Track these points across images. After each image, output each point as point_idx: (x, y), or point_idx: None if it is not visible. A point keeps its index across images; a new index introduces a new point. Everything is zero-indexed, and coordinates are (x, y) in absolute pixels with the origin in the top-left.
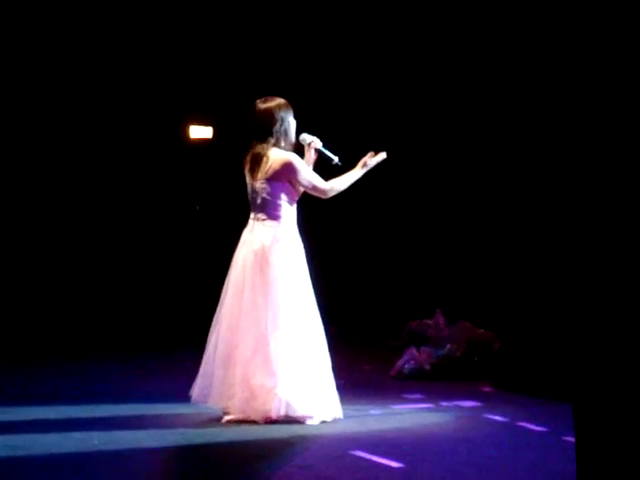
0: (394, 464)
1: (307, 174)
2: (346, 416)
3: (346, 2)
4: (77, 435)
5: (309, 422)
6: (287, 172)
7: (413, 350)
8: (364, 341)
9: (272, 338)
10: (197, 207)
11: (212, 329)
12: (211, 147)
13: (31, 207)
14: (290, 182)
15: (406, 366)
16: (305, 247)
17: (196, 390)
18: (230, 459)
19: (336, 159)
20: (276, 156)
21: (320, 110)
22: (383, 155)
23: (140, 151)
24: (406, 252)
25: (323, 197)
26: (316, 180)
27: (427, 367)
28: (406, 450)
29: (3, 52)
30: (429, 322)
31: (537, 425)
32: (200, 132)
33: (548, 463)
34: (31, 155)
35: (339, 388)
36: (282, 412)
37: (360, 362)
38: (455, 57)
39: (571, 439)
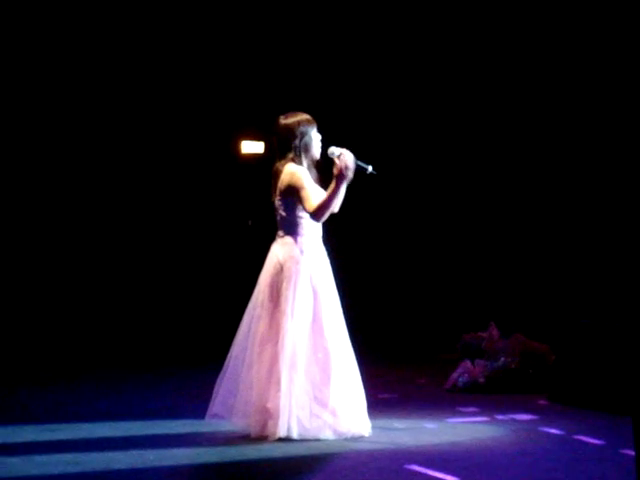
0: (450, 478)
1: (305, 192)
2: (401, 430)
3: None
4: (134, 452)
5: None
6: (293, 188)
7: (467, 363)
8: (418, 354)
9: (283, 358)
10: (250, 222)
11: (233, 345)
12: (263, 162)
13: (71, 220)
14: None
15: (460, 379)
16: (354, 263)
17: (217, 405)
18: (287, 473)
19: (370, 168)
20: (287, 171)
21: (362, 122)
22: (347, 155)
23: (193, 166)
24: (460, 265)
25: (314, 220)
26: (306, 200)
27: (482, 380)
28: (462, 464)
29: (40, 72)
30: (483, 335)
31: (594, 438)
32: (252, 147)
33: (607, 476)
34: (80, 169)
35: (393, 401)
36: (294, 434)
37: (414, 376)
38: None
39: (630, 452)
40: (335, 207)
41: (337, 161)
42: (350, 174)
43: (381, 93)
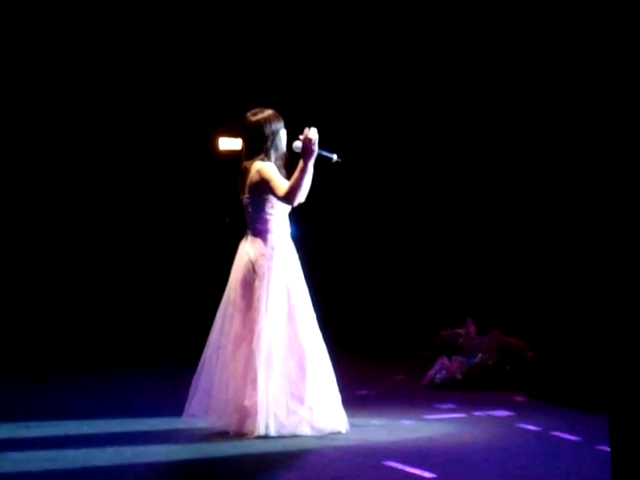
0: (427, 474)
1: (275, 181)
2: (378, 426)
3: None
4: (111, 449)
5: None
6: (263, 183)
7: (445, 360)
8: (396, 351)
9: (259, 356)
10: (227, 219)
11: (207, 344)
12: (240, 159)
13: (53, 220)
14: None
15: (438, 376)
16: (330, 258)
17: (194, 405)
18: (264, 470)
19: (335, 157)
20: (255, 168)
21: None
22: (311, 131)
23: (170, 163)
24: (437, 261)
25: (288, 204)
26: (277, 188)
27: (459, 376)
28: (439, 460)
29: (28, 66)
30: (460, 331)
31: (571, 434)
32: (229, 144)
33: (583, 473)
34: (58, 165)
35: (370, 398)
36: (272, 431)
37: (392, 372)
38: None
39: (605, 448)
40: (305, 189)
41: (301, 138)
42: (315, 148)
43: (356, 83)
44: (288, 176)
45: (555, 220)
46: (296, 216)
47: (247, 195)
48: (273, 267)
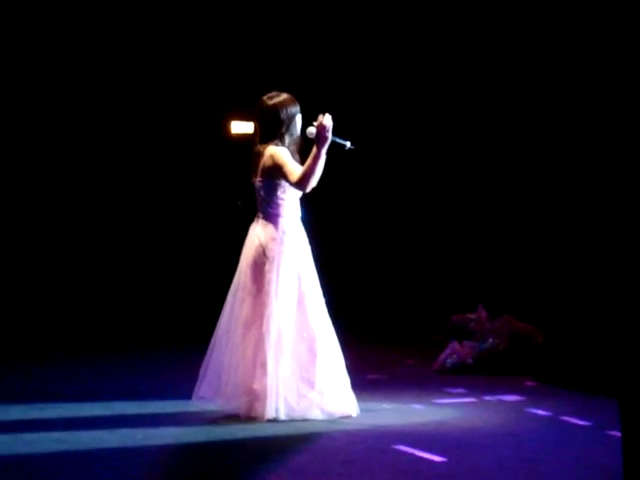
0: (437, 458)
1: (288, 167)
2: (388, 410)
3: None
4: (122, 431)
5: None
6: (276, 168)
7: (455, 344)
8: (406, 336)
9: (268, 340)
10: (239, 203)
11: (217, 328)
12: (253, 142)
13: (61, 204)
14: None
15: (448, 360)
16: (341, 243)
17: (204, 387)
18: (274, 453)
19: (348, 144)
20: (268, 153)
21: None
22: (325, 117)
23: (182, 147)
24: (448, 245)
25: (300, 190)
26: (290, 173)
27: (470, 361)
28: (449, 444)
29: (36, 54)
30: (471, 316)
31: (581, 419)
32: (242, 127)
33: (593, 457)
34: (67, 147)
35: (381, 382)
36: (281, 415)
37: (403, 357)
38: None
39: (616, 433)
40: (317, 176)
41: (315, 124)
42: (329, 135)
43: (370, 70)
44: (301, 162)
45: (566, 205)
46: (307, 201)
47: (259, 179)
48: (284, 251)
